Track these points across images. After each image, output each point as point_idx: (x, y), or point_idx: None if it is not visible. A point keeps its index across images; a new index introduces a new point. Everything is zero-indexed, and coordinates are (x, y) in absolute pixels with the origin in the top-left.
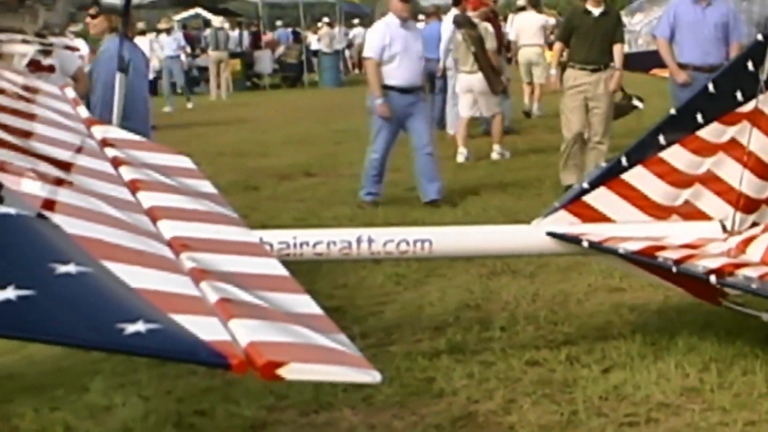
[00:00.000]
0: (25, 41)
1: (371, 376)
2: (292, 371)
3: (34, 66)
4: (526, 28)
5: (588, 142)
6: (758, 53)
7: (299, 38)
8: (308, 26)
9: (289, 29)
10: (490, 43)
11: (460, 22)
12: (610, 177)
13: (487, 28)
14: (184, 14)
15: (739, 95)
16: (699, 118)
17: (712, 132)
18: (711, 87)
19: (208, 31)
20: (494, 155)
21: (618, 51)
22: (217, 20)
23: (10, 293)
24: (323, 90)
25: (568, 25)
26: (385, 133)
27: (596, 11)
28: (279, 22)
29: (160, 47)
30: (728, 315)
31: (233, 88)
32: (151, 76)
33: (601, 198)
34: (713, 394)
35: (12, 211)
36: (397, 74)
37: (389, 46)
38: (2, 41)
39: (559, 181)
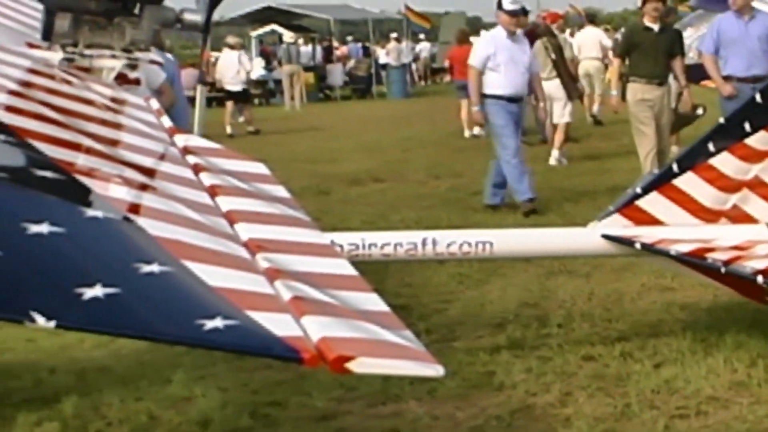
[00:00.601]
0: (113, 56)
1: (435, 370)
2: (361, 365)
3: (121, 79)
4: (586, 43)
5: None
6: None
7: (369, 52)
8: (377, 41)
9: (359, 44)
10: (569, 52)
11: (542, 32)
12: (662, 182)
13: (566, 38)
14: (261, 30)
15: None
16: (747, 126)
17: (759, 140)
18: (758, 97)
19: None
20: (552, 161)
21: (680, 65)
22: (288, 36)
23: (98, 291)
24: (391, 101)
25: (628, 41)
26: (509, 137)
27: (656, 27)
28: (350, 38)
29: (248, 59)
30: None
31: (307, 100)
32: (240, 87)
33: (653, 202)
34: (761, 388)
35: (100, 214)
36: (503, 83)
37: (494, 56)
38: (93, 57)
39: (613, 186)
